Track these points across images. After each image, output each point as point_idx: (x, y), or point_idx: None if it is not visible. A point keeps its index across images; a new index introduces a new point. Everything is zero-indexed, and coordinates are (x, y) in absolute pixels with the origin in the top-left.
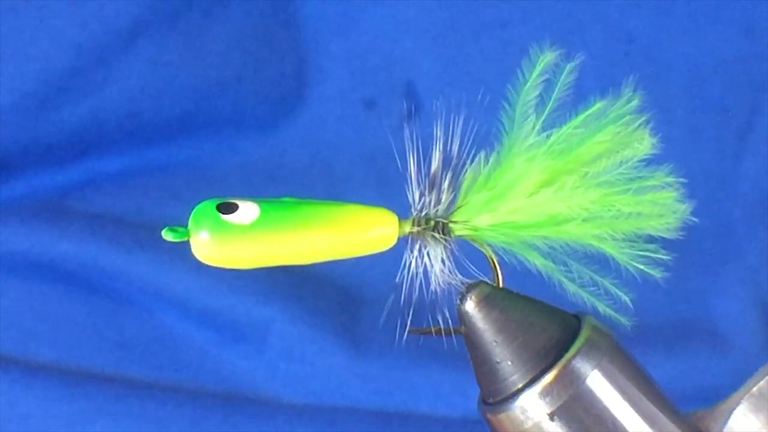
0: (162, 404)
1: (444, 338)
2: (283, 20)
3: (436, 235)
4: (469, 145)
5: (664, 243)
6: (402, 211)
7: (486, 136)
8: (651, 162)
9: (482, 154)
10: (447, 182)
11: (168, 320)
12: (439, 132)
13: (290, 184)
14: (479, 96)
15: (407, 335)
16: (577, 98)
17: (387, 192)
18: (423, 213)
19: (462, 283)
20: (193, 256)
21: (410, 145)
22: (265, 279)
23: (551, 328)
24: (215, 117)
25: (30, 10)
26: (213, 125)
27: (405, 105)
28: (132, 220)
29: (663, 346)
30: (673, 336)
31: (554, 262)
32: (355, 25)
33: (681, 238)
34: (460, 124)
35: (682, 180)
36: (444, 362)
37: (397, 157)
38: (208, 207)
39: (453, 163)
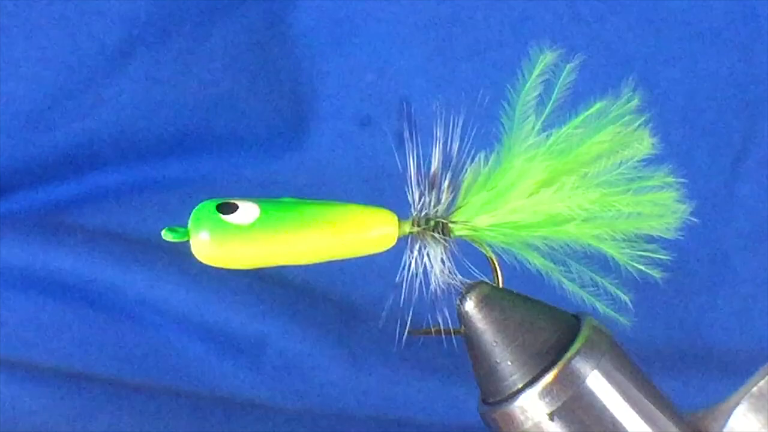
0: (161, 408)
1: (444, 338)
2: (277, 37)
3: (436, 235)
4: (468, 145)
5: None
6: (402, 214)
7: (483, 141)
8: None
9: (482, 154)
10: (447, 182)
11: (166, 333)
12: (438, 132)
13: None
14: (473, 116)
15: (407, 336)
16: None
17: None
18: (423, 213)
19: (462, 284)
20: (192, 263)
21: (409, 145)
22: (263, 292)
23: (551, 328)
24: (210, 134)
25: (19, 30)
26: (208, 142)
27: (400, 123)
28: (128, 235)
29: (656, 373)
30: (667, 362)
31: (554, 263)
32: (349, 42)
33: (674, 264)
34: (459, 126)
35: (681, 180)
36: (442, 374)
37: (393, 173)
38: (208, 207)
39: (453, 163)
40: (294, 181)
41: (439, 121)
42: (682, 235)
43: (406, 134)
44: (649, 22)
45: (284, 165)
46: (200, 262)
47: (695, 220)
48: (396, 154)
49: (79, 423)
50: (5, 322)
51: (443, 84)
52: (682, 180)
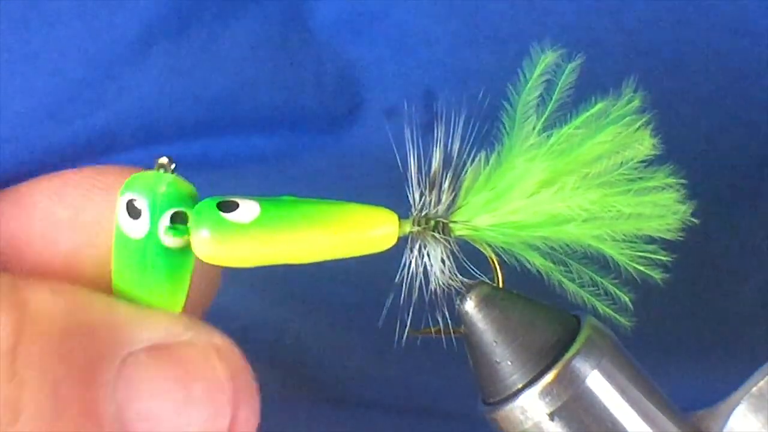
0: None
1: (444, 338)
2: (299, 28)
3: (437, 234)
4: (470, 145)
5: (685, 263)
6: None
7: (487, 136)
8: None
9: (483, 154)
10: (447, 182)
11: None
12: (439, 132)
13: (308, 189)
14: (497, 108)
15: (407, 336)
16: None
17: (404, 199)
18: (423, 213)
19: (462, 284)
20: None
21: (411, 146)
22: (281, 279)
23: (551, 328)
24: (231, 124)
25: (38, 22)
26: (230, 132)
27: (424, 114)
28: None
29: (681, 363)
30: (694, 353)
31: (554, 263)
32: (371, 33)
33: (702, 258)
34: (461, 124)
35: (683, 181)
36: (466, 362)
37: (414, 164)
38: (208, 205)
39: (453, 163)
40: (316, 169)
41: (439, 121)
42: (711, 229)
43: (407, 134)
44: (676, 13)
45: (307, 153)
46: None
47: (696, 221)
48: (421, 142)
49: None
50: None
51: (466, 75)
52: (682, 180)
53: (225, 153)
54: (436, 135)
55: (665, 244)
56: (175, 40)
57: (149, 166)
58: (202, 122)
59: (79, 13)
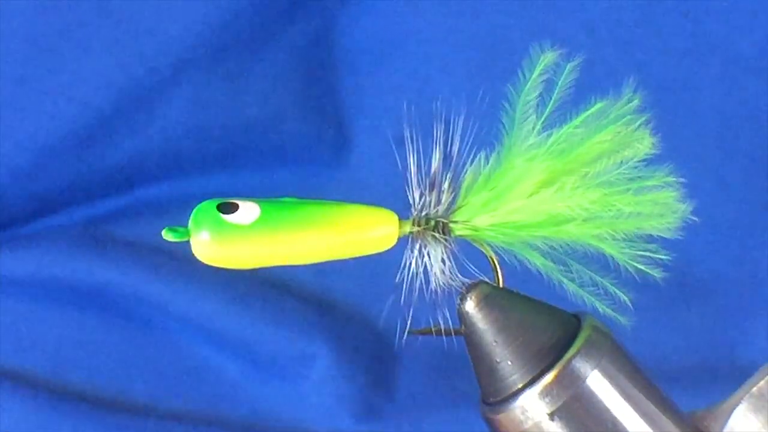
0: None
1: (444, 338)
2: (321, 58)
3: (437, 234)
4: (469, 145)
5: (692, 291)
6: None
7: (487, 137)
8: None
9: (482, 153)
10: (447, 182)
11: (204, 352)
12: (439, 132)
13: None
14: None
15: (407, 335)
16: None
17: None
18: (423, 213)
19: (462, 283)
20: (238, 281)
21: (410, 145)
22: (307, 313)
23: (551, 328)
24: (256, 154)
25: (70, 51)
26: (253, 162)
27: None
28: (171, 250)
29: (688, 392)
30: (700, 381)
31: (554, 262)
32: (390, 62)
33: (709, 285)
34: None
35: (682, 180)
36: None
37: (414, 165)
38: (208, 207)
39: (453, 163)
40: (336, 197)
41: (439, 121)
42: (718, 258)
43: (407, 134)
44: (687, 47)
45: (326, 182)
46: (247, 281)
47: (696, 219)
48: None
49: None
50: (41, 337)
51: (482, 103)
52: (682, 180)
53: (249, 185)
54: (435, 135)
55: (667, 245)
56: (203, 71)
57: (173, 197)
58: (228, 153)
59: (109, 45)
